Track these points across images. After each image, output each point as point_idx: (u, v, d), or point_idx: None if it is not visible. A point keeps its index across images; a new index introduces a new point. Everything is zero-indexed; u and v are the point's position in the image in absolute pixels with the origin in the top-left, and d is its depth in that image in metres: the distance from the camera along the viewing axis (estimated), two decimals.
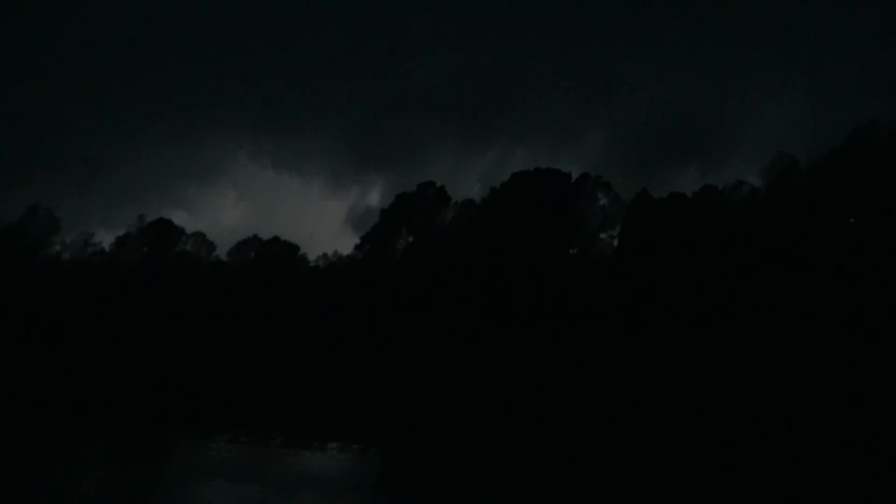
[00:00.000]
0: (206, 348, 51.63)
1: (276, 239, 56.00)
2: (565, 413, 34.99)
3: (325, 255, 55.02)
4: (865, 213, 43.76)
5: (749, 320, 40.09)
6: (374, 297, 49.66)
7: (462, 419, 34.60)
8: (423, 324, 47.19)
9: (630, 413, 34.17)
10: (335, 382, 45.35)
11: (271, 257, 55.40)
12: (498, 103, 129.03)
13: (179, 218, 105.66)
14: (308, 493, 16.52)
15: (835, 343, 36.93)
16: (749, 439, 25.21)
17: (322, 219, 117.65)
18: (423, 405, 40.35)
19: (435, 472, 19.48)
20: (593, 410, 35.28)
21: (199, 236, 58.76)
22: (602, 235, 48.62)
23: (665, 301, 43.35)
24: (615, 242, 48.30)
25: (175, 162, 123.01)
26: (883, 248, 39.75)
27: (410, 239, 51.88)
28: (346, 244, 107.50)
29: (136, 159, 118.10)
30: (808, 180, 44.73)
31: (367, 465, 21.90)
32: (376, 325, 48.33)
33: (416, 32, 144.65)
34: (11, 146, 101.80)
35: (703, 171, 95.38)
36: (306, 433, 32.45)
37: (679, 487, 16.81)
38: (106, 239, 63.77)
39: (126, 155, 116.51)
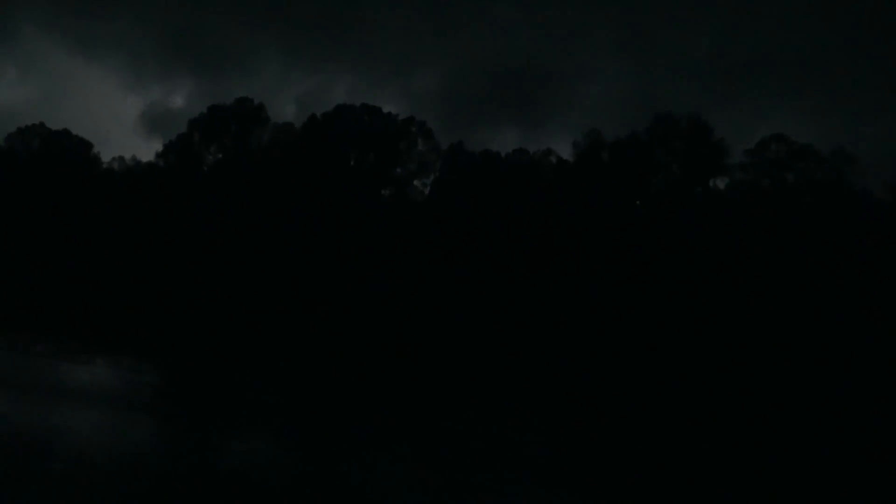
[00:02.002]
0: None
1: (66, 132, 50.41)
2: (365, 350, 35.80)
3: (121, 157, 50.60)
4: (652, 199, 48.11)
5: (541, 284, 42.93)
6: (175, 210, 46.84)
7: (248, 345, 34.39)
8: (226, 246, 45.42)
9: (432, 355, 35.73)
10: (114, 295, 42.60)
11: (59, 151, 49.96)
12: (330, 25, 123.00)
13: None
14: (66, 404, 15.70)
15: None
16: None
17: (116, 113, 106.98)
18: (207, 328, 39.38)
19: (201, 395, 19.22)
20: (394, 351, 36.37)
21: None
22: (416, 182, 49.16)
23: (464, 255, 45.16)
24: (426, 190, 49.09)
25: None
26: (665, 234, 43.97)
27: (220, 155, 49.12)
28: (140, 145, 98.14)
29: None
30: (609, 160, 48.11)
31: (132, 384, 21.20)
32: (173, 241, 45.77)
33: None
34: None
35: (523, 133, 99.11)
36: (74, 345, 30.66)
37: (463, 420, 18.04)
38: None
39: None
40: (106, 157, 51.87)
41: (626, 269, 42.61)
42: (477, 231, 46.03)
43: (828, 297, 35.94)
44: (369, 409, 19.60)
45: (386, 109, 51.48)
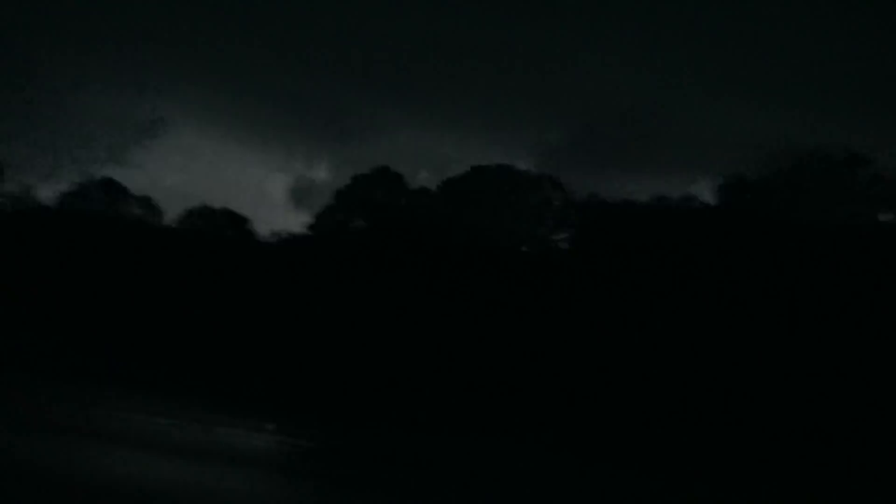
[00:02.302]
0: (142, 314, 50.46)
1: (227, 210, 54.97)
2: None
3: (275, 231, 54.21)
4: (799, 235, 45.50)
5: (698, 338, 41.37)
6: (328, 279, 49.34)
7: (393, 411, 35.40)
8: (372, 312, 47.12)
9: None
10: (278, 364, 45.00)
11: (220, 228, 54.40)
12: (454, 87, 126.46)
13: (122, 175, 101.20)
14: (241, 470, 16.63)
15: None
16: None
17: (263, 188, 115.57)
18: (361, 396, 40.75)
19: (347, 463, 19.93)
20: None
21: (145, 200, 57.25)
22: (554, 237, 49.26)
23: (612, 306, 44.38)
24: (566, 245, 49.00)
25: (119, 113, 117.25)
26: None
27: (364, 223, 51.65)
28: (286, 216, 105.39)
29: (81, 107, 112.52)
30: (756, 200, 46.23)
31: (298, 448, 22.30)
32: (326, 309, 48.05)
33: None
34: None
35: (654, 180, 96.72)
36: (239, 412, 32.54)
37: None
38: (48, 192, 60.75)
39: (71, 102, 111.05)
40: (259, 230, 55.71)
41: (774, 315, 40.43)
42: (615, 284, 45.27)
43: None
44: None
45: (521, 166, 52.57)
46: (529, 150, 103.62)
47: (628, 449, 26.91)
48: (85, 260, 52.28)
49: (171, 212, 57.28)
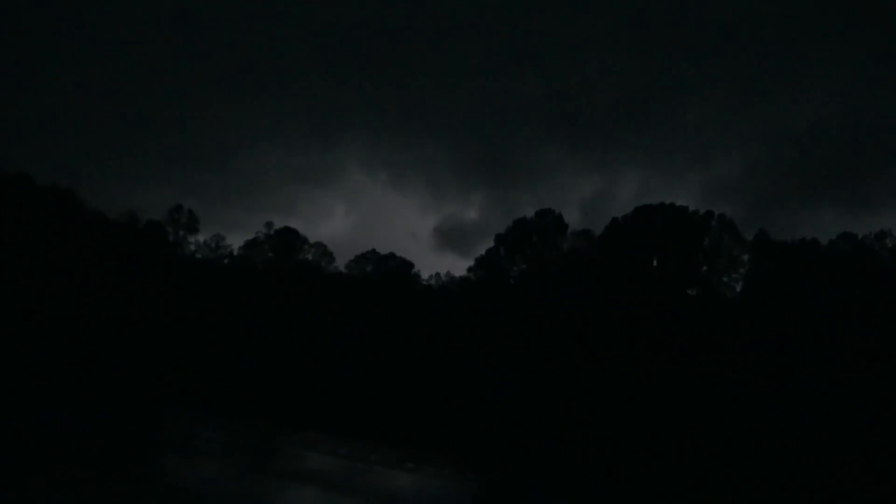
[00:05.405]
0: (321, 357, 53.61)
1: (392, 255, 57.58)
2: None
3: (437, 274, 55.99)
4: None
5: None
6: (488, 323, 49.95)
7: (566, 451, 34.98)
8: (536, 355, 47.02)
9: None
10: (442, 405, 45.97)
11: (387, 272, 56.95)
12: (610, 123, 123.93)
13: (297, 224, 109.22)
14: None
15: None
16: None
17: (420, 232, 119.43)
18: (527, 434, 40.60)
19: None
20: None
21: (321, 246, 61.23)
22: (724, 279, 46.82)
23: (788, 356, 41.26)
24: (738, 287, 46.40)
25: (298, 167, 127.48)
26: None
27: (524, 266, 51.88)
28: (444, 260, 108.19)
29: (264, 162, 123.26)
30: None
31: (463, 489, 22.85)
32: (489, 354, 48.59)
33: (533, 46, 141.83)
34: (160, 148, 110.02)
35: (844, 217, 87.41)
36: (403, 452, 33.80)
37: None
38: (235, 241, 66.79)
39: (255, 156, 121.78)
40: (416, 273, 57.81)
41: None
42: (795, 331, 41.99)
43: None
44: None
45: (681, 203, 50.67)
46: (697, 185, 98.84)
47: None
48: (268, 304, 56.77)
49: (340, 256, 60.98)
